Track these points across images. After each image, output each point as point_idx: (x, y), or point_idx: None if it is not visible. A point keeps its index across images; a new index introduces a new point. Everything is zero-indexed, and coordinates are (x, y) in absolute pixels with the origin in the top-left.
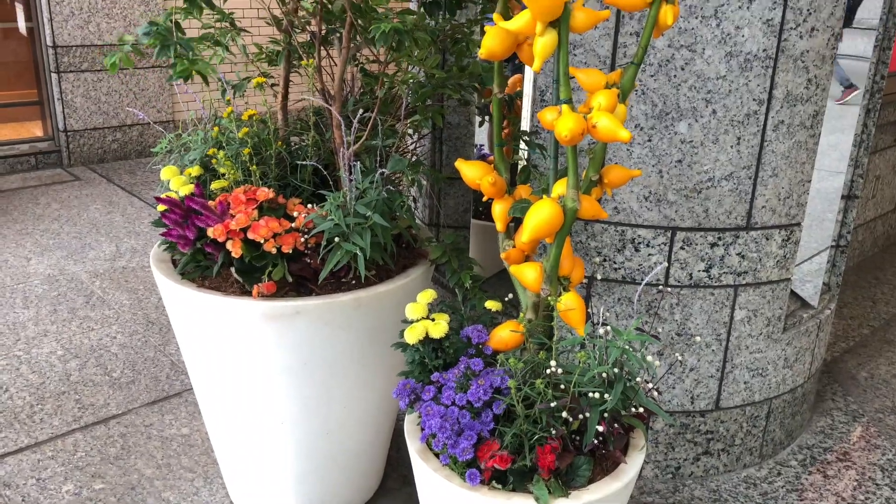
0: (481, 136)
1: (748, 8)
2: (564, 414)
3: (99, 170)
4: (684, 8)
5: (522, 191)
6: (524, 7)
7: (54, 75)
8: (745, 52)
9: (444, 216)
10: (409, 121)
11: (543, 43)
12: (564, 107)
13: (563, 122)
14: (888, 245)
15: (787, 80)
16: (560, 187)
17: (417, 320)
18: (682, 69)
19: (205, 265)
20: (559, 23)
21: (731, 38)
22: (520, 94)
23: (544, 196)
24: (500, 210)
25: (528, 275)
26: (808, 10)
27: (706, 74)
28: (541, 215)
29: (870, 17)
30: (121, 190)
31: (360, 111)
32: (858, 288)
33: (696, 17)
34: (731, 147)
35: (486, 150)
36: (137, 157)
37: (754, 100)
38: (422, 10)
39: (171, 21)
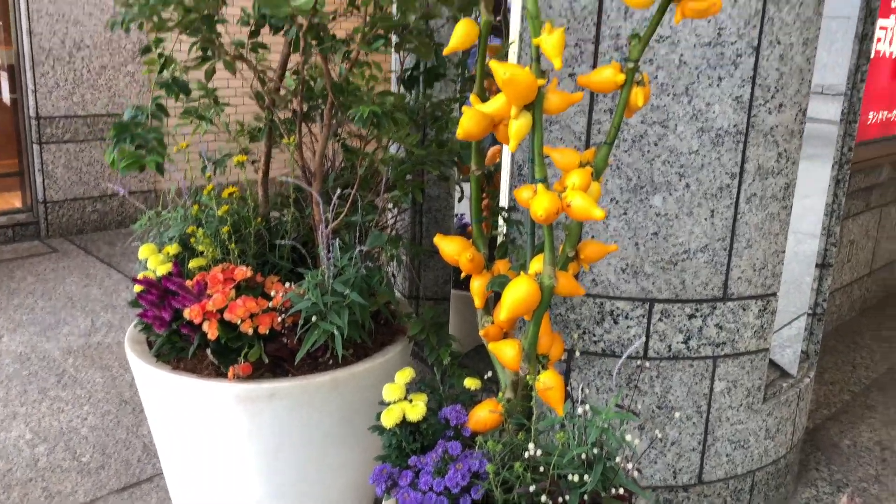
0: (462, 206)
1: (718, 85)
2: (544, 498)
3: (77, 241)
4: (656, 86)
5: (500, 266)
6: (500, 89)
7: (36, 146)
8: (716, 127)
9: (423, 288)
10: (389, 195)
11: (518, 125)
12: (539, 186)
13: (538, 202)
14: (865, 309)
15: (758, 153)
16: (537, 263)
17: (395, 402)
18: (656, 144)
19: (180, 346)
20: (533, 105)
21: (702, 114)
22: (498, 167)
23: (522, 273)
24: (478, 286)
25: (506, 353)
26: (775, 87)
27: (679, 149)
28: (518, 293)
29: (837, 84)
30: (99, 262)
31: (340, 189)
32: (837, 353)
33: (668, 95)
34: (706, 219)
35: (466, 219)
36: (117, 228)
37: (727, 173)
38: (401, 87)
39: (154, 105)
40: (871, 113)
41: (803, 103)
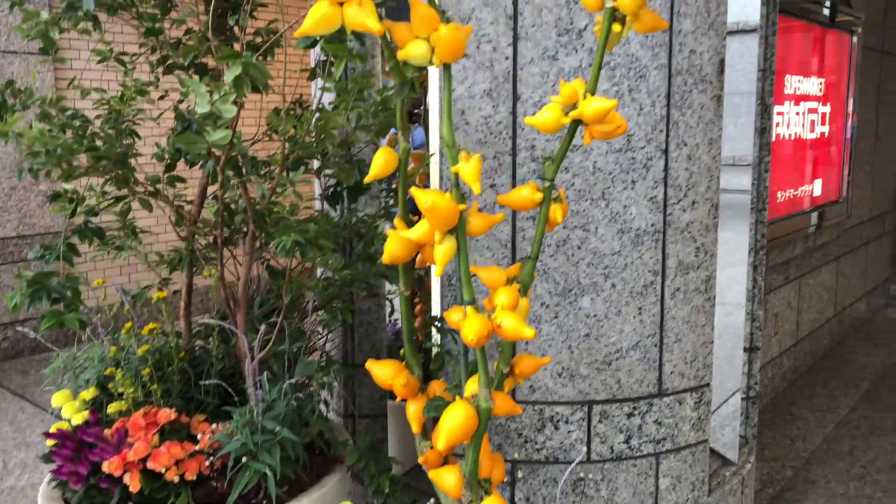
0: (395, 312)
1: (633, 188)
2: None
3: None
4: (574, 191)
5: (436, 387)
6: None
7: None
8: (634, 227)
9: (359, 405)
10: (317, 317)
11: (443, 250)
12: (469, 309)
13: (468, 326)
14: (795, 378)
15: (677, 250)
16: (473, 384)
17: None
18: (579, 248)
19: (100, 501)
20: (457, 229)
21: (620, 216)
22: (429, 271)
23: (458, 398)
24: (414, 411)
25: (447, 481)
26: (686, 185)
27: (602, 251)
28: (455, 420)
29: (746, 154)
30: (10, 394)
31: (265, 316)
32: (774, 426)
33: (586, 200)
34: (634, 317)
35: (399, 324)
36: (31, 354)
37: (649, 271)
38: (324, 204)
39: (65, 245)
40: (779, 192)
41: (714, 199)
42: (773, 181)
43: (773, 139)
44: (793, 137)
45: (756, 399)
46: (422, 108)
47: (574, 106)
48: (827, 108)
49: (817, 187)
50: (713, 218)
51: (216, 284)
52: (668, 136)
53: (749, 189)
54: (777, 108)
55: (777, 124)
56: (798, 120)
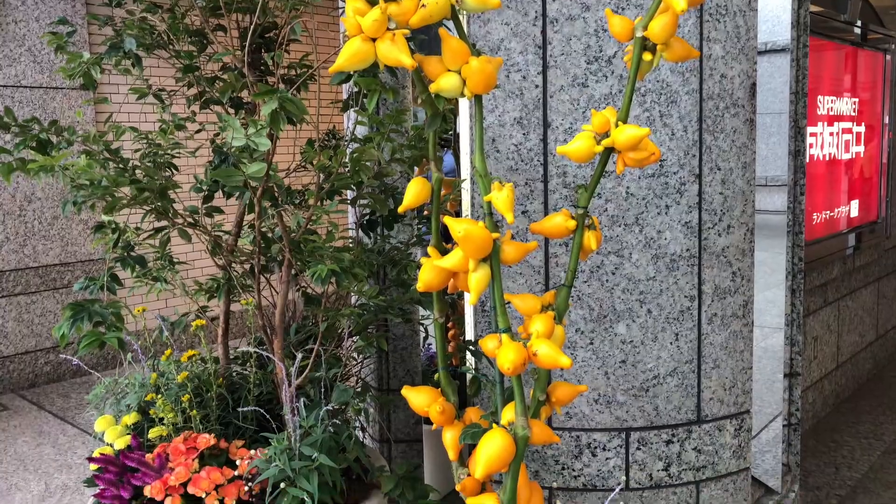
0: (429, 335)
1: (666, 213)
2: None
3: (29, 396)
4: (607, 218)
5: (472, 413)
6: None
7: None
8: (669, 253)
9: (395, 430)
10: (352, 344)
11: (477, 279)
12: (504, 337)
13: (504, 355)
14: (838, 404)
15: (714, 275)
16: (509, 412)
17: None
18: (613, 273)
19: None
20: (490, 257)
21: (654, 241)
22: (462, 295)
23: (494, 426)
24: (450, 438)
25: None
26: (721, 210)
27: (636, 277)
28: (492, 448)
29: (779, 175)
30: (52, 417)
31: (302, 343)
32: (818, 454)
33: (619, 226)
34: (671, 343)
35: (433, 349)
36: (73, 378)
37: (685, 296)
38: (359, 231)
39: (108, 276)
40: (815, 214)
41: (750, 223)
42: (809, 203)
43: (808, 160)
44: (827, 158)
45: (798, 426)
46: (451, 133)
47: (606, 134)
48: (861, 128)
49: (854, 208)
50: (749, 242)
51: (253, 312)
52: (701, 160)
53: (783, 209)
54: (810, 129)
55: (811, 145)
56: (832, 140)
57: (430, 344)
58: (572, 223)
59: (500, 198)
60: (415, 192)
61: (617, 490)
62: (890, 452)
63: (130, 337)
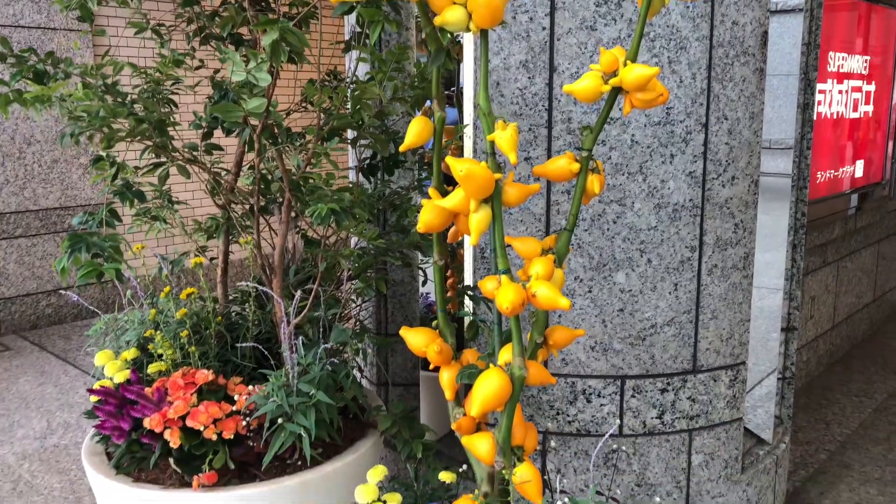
0: (427, 284)
1: (671, 162)
2: None
3: (31, 337)
4: (610, 165)
5: (469, 355)
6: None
7: None
8: (672, 202)
9: (392, 374)
10: (352, 286)
11: (478, 219)
12: (503, 278)
13: (503, 295)
14: (832, 363)
15: (716, 226)
16: (506, 353)
17: None
18: (615, 222)
19: (141, 456)
20: (492, 198)
21: (657, 190)
22: (461, 244)
23: (491, 365)
24: (447, 378)
25: (480, 448)
26: (726, 160)
27: (638, 226)
28: (489, 387)
29: (785, 138)
30: (54, 358)
31: (301, 283)
32: (810, 410)
33: (623, 174)
34: (670, 293)
35: (431, 298)
36: (74, 321)
37: (686, 247)
38: (359, 176)
39: (107, 212)
40: (819, 172)
41: (754, 175)
42: (814, 161)
43: (815, 118)
44: (835, 116)
45: (792, 380)
46: (454, 89)
47: (614, 73)
48: (871, 87)
49: (859, 168)
50: (753, 194)
51: (252, 251)
52: (708, 109)
53: (786, 172)
54: (819, 87)
55: (819, 102)
56: (840, 99)
57: (428, 293)
58: (576, 166)
59: (504, 137)
60: (416, 130)
61: (608, 435)
62: (880, 410)
63: (130, 272)
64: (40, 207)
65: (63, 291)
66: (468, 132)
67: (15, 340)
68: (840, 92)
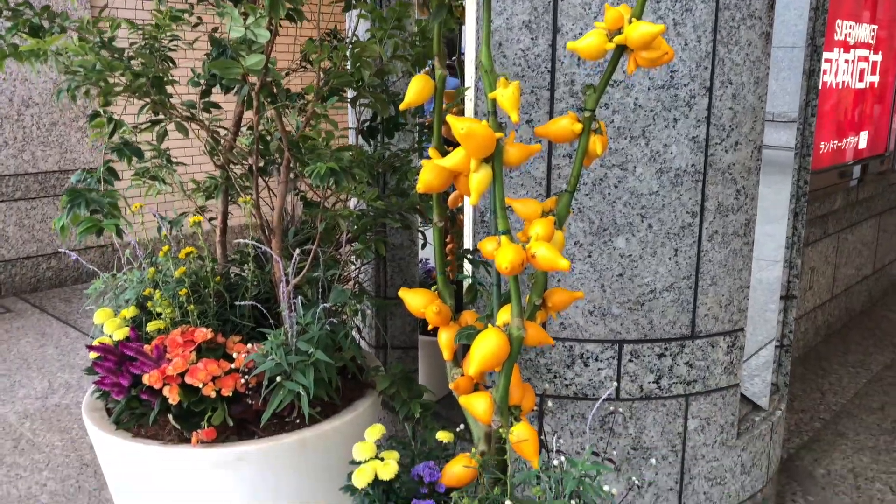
0: (427, 251)
1: (674, 127)
2: None
3: (32, 299)
4: (613, 129)
5: (468, 316)
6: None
7: None
8: (674, 167)
9: (391, 337)
10: (351, 248)
11: (479, 179)
12: (503, 238)
13: (502, 255)
14: (829, 334)
15: (718, 192)
16: (505, 314)
17: (366, 461)
18: (616, 187)
19: (140, 412)
20: (493, 158)
21: (660, 155)
22: (461, 209)
23: (490, 325)
24: (446, 338)
25: (478, 407)
26: (730, 126)
27: (639, 191)
28: (487, 346)
29: (788, 111)
30: (55, 320)
31: (300, 246)
32: (806, 380)
33: (625, 138)
34: (670, 259)
35: (431, 264)
36: (74, 284)
37: (688, 212)
38: (360, 137)
39: (104, 171)
40: (822, 143)
41: (758, 140)
42: (817, 131)
43: (820, 86)
44: (840, 86)
45: (789, 348)
46: (454, 58)
47: (619, 31)
48: (878, 57)
49: (863, 139)
50: (756, 160)
51: (251, 212)
52: (713, 73)
53: (788, 145)
54: (825, 55)
55: (824, 72)
56: (847, 68)
57: (427, 259)
58: (578, 126)
59: (506, 95)
60: (417, 88)
61: (603, 398)
62: (876, 381)
63: (129, 229)
64: (39, 170)
65: (63, 251)
66: (469, 95)
67: (16, 303)
68: (846, 61)
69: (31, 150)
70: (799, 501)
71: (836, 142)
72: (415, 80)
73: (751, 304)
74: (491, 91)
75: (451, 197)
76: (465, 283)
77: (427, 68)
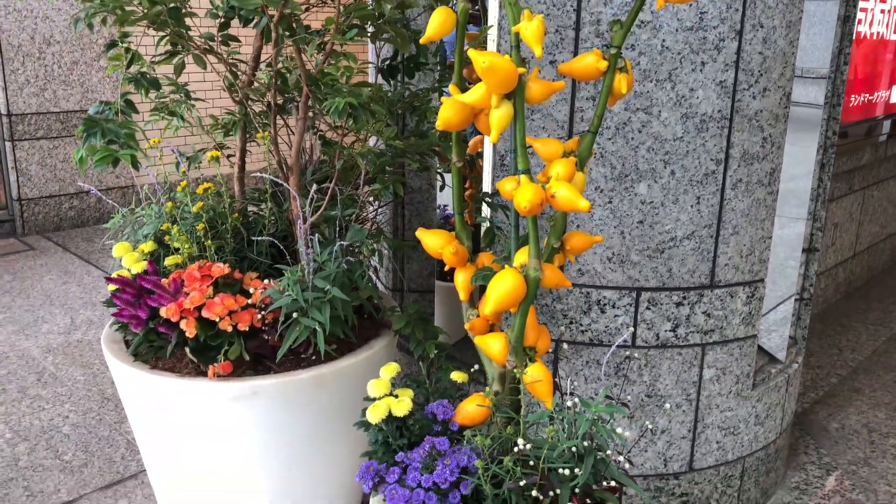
0: (444, 196)
1: (701, 70)
2: (534, 492)
3: (55, 238)
4: (639, 72)
5: (485, 258)
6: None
7: (8, 144)
8: (700, 113)
9: (408, 280)
10: (369, 189)
11: (499, 115)
12: (523, 177)
13: (521, 194)
14: (850, 292)
15: (743, 139)
16: (522, 256)
17: (380, 398)
18: (640, 131)
19: (158, 345)
20: (514, 94)
21: (686, 100)
22: (481, 155)
23: (507, 266)
24: (462, 279)
25: (492, 346)
26: (759, 71)
27: (663, 136)
28: (504, 286)
29: (817, 67)
30: (77, 259)
31: (317, 183)
32: (824, 336)
33: (651, 81)
34: (692, 207)
35: (449, 210)
36: (96, 224)
37: (712, 159)
38: (379, 77)
39: (122, 102)
40: (853, 96)
41: (787, 87)
42: (848, 83)
43: (854, 35)
44: (875, 37)
45: (809, 301)
46: (478, 6)
47: None
48: None
49: (895, 94)
50: (784, 108)
51: (268, 148)
52: (743, 15)
53: (817, 102)
54: (861, 3)
55: (859, 21)
56: (882, 18)
57: (446, 205)
58: (603, 64)
59: (530, 28)
60: (439, 21)
61: (616, 344)
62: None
63: (147, 161)
64: (61, 109)
65: (84, 187)
66: (492, 35)
67: (38, 241)
68: (882, 11)
69: (53, 88)
70: (812, 454)
71: (866, 95)
72: (436, 13)
73: (771, 260)
74: (514, 24)
75: (470, 142)
76: (483, 227)
77: (452, 1)
